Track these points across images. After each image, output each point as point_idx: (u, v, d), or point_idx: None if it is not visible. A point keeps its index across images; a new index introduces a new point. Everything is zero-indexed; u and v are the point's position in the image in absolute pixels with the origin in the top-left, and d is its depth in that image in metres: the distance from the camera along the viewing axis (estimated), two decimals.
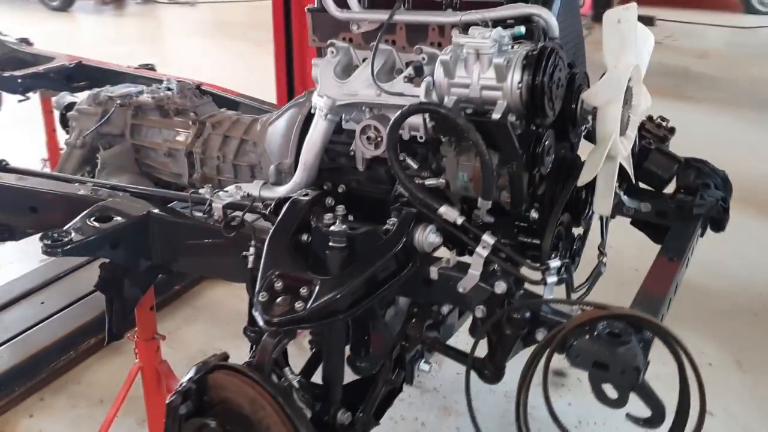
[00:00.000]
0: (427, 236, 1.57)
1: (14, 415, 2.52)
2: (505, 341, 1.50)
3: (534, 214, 1.59)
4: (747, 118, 6.19)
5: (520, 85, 1.42)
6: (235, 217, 1.78)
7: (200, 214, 1.87)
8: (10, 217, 2.20)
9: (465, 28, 1.57)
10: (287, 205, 1.72)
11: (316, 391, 1.67)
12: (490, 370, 1.55)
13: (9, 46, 3.62)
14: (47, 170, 3.53)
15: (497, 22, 1.57)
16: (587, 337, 1.34)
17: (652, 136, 2.07)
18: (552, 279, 1.49)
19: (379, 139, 1.73)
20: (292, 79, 3.85)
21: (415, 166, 1.69)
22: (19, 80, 3.17)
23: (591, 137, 1.70)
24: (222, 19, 11.38)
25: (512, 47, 1.49)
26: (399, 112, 1.52)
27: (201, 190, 1.87)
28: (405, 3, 1.74)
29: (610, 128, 1.57)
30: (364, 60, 1.76)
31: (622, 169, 1.80)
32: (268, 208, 1.78)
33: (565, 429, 1.42)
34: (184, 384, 1.52)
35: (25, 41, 3.71)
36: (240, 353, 1.62)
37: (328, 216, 1.61)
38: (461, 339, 1.82)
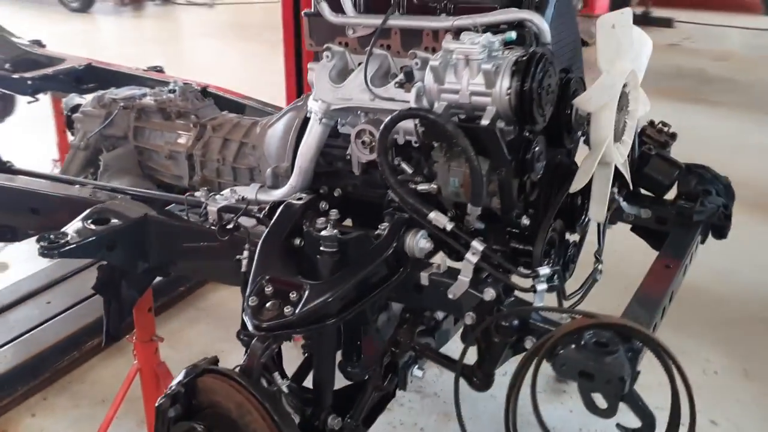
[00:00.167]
0: (417, 242, 1.57)
1: (17, 414, 2.54)
2: (494, 349, 1.49)
3: (525, 221, 1.58)
4: (764, 121, 6.11)
5: (509, 91, 1.41)
6: (229, 220, 1.78)
7: (197, 217, 1.88)
8: (13, 218, 2.23)
9: (458, 33, 1.57)
10: (280, 209, 1.73)
11: (307, 396, 1.67)
12: (479, 377, 1.54)
13: (21, 47, 3.66)
14: (57, 171, 3.57)
15: (490, 27, 1.56)
16: (573, 346, 1.32)
17: (653, 142, 2.05)
18: (542, 286, 1.48)
19: (374, 143, 1.73)
20: (302, 82, 3.85)
21: (410, 171, 1.68)
22: (29, 82, 3.20)
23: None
24: (238, 20, 11.44)
25: (503, 53, 1.48)
26: (389, 117, 1.52)
27: (197, 193, 1.87)
28: (400, 8, 1.74)
29: (603, 134, 1.56)
30: (359, 64, 1.75)
31: (620, 175, 1.79)
32: (262, 212, 1.79)
33: None
34: (173, 387, 1.52)
35: (37, 43, 3.75)
36: (242, 355, 1.62)
37: (320, 220, 1.61)
38: (459, 345, 1.82)
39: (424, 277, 1.58)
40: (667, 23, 10.93)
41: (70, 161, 2.52)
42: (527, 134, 1.52)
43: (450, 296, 1.53)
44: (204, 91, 2.66)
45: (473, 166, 1.44)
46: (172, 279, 3.13)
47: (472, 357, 1.58)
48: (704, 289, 3.34)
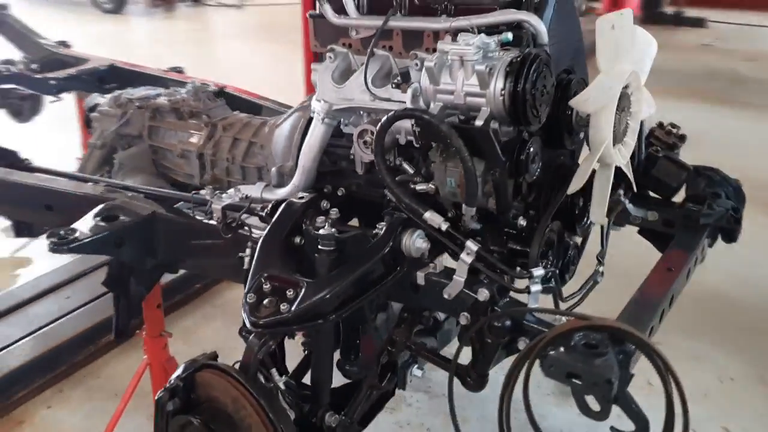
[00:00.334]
0: (414, 241, 1.57)
1: (33, 406, 2.61)
2: (487, 349, 1.49)
3: (522, 222, 1.58)
4: None
5: (503, 91, 1.41)
6: (233, 218, 1.81)
7: (204, 215, 1.91)
8: (29, 215, 2.28)
9: (457, 34, 1.57)
10: (281, 207, 1.75)
11: (306, 393, 1.69)
12: (473, 377, 1.54)
13: (47, 48, 3.74)
14: None
15: (489, 29, 1.56)
16: (563, 348, 1.32)
17: (661, 144, 2.02)
18: (536, 287, 1.48)
19: None
20: None
21: (411, 171, 1.69)
22: (53, 82, 3.27)
23: None
24: (266, 21, 11.54)
25: (500, 54, 1.48)
26: (385, 117, 1.53)
27: (202, 192, 1.90)
28: (402, 9, 1.75)
29: (602, 135, 1.55)
30: (362, 65, 1.77)
31: (625, 176, 1.77)
32: (265, 210, 1.81)
33: None
34: (172, 381, 1.55)
35: (62, 44, 3.83)
36: None
37: (320, 219, 1.63)
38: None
39: (420, 277, 1.59)
40: (699, 23, 10.77)
41: (87, 159, 2.58)
42: (523, 135, 1.53)
43: (445, 296, 1.54)
44: (220, 92, 2.70)
45: (467, 167, 1.44)
46: (188, 277, 3.18)
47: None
48: (723, 294, 3.29)
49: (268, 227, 1.70)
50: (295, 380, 1.73)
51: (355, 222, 1.91)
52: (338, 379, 1.78)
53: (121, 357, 2.85)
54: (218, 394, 1.54)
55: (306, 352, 1.85)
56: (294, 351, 1.75)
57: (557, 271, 1.63)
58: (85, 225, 1.88)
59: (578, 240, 1.78)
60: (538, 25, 1.51)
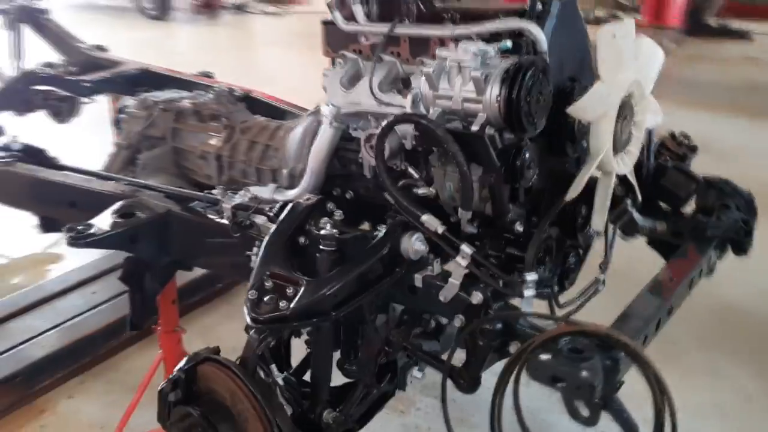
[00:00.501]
0: (413, 244, 1.60)
1: (56, 395, 2.70)
2: (479, 352, 1.51)
3: (519, 227, 1.59)
4: None
5: (498, 98, 1.44)
6: (243, 217, 1.86)
7: (216, 215, 1.97)
8: (54, 211, 2.37)
9: (459, 41, 1.60)
10: (288, 208, 1.79)
11: (306, 390, 1.73)
12: (466, 379, 1.56)
13: (84, 52, 3.88)
14: None
15: (493, 36, 1.59)
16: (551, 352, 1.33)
17: (671, 154, 2.02)
18: (529, 292, 1.50)
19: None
20: None
21: (416, 176, 1.73)
22: (86, 84, 3.39)
23: None
24: (305, 29, 11.66)
25: (498, 61, 1.50)
26: (385, 122, 1.56)
27: (214, 191, 1.96)
28: (410, 16, 1.78)
29: (601, 143, 1.56)
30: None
31: (630, 186, 1.78)
32: (273, 211, 1.85)
33: None
34: (174, 373, 1.61)
35: (99, 48, 3.96)
36: None
37: (324, 220, 1.66)
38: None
39: (418, 279, 1.62)
40: (744, 36, 10.57)
41: (114, 159, 2.66)
42: (523, 141, 1.55)
43: (441, 298, 1.56)
44: (245, 97, 2.76)
45: (462, 171, 1.47)
46: (210, 276, 3.26)
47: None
48: (746, 307, 3.24)
49: (274, 227, 1.75)
50: (297, 377, 1.77)
51: (366, 226, 1.94)
52: (342, 379, 1.82)
53: (141, 352, 2.93)
54: (218, 387, 1.58)
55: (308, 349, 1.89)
56: (301, 348, 1.78)
57: (555, 278, 1.64)
58: (102, 221, 1.95)
59: (581, 247, 1.79)
60: (538, 34, 1.53)
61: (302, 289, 1.52)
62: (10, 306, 3.08)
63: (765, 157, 5.34)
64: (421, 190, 1.65)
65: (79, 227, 1.90)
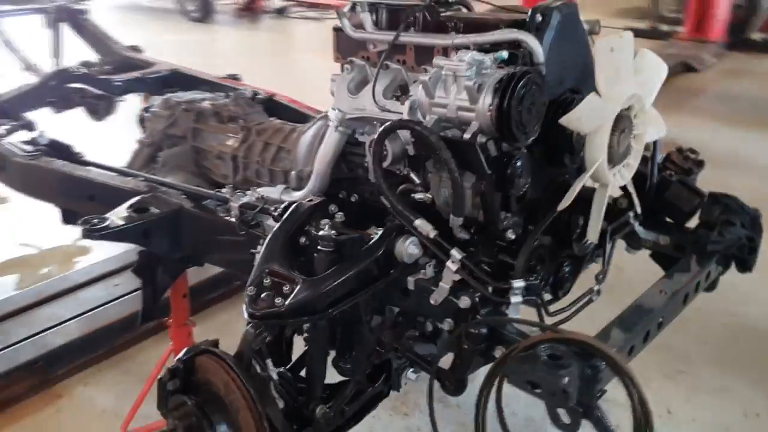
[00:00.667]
0: (407, 247, 1.63)
1: (72, 382, 2.80)
2: (464, 355, 1.53)
3: (511, 235, 1.62)
4: None
5: (491, 107, 1.47)
6: (250, 216, 1.92)
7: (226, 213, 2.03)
8: (75, 204, 2.46)
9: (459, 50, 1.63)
10: (290, 208, 1.84)
11: (301, 386, 1.77)
12: (452, 381, 1.59)
13: (119, 52, 4.01)
14: None
15: (493, 46, 1.62)
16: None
17: (677, 168, 2.02)
18: (516, 299, 1.52)
19: (385, 152, 1.82)
20: None
21: (417, 181, 1.76)
22: (118, 83, 3.50)
23: None
24: None
25: (493, 71, 1.53)
26: (381, 128, 1.61)
27: (223, 190, 2.03)
28: (416, 25, 1.83)
29: (595, 155, 1.58)
30: None
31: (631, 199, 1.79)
32: (277, 210, 1.91)
33: None
34: (174, 363, 1.67)
35: (134, 48, 4.09)
36: None
37: (324, 221, 1.71)
38: None
39: (411, 282, 1.65)
40: None
41: (136, 156, 2.76)
42: (520, 150, 1.57)
43: (432, 301, 1.60)
44: (268, 99, 2.84)
45: (454, 177, 1.50)
46: (229, 273, 3.33)
47: None
48: (759, 326, 3.19)
49: (276, 226, 1.80)
50: (293, 373, 1.81)
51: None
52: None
53: (157, 344, 3.01)
54: (214, 378, 1.64)
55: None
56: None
57: (546, 286, 1.66)
58: (117, 215, 2.03)
59: (576, 258, 1.80)
60: (534, 45, 1.56)
61: (298, 287, 1.56)
62: (36, 295, 3.20)
63: None
64: (419, 195, 1.69)
65: (95, 220, 1.98)
